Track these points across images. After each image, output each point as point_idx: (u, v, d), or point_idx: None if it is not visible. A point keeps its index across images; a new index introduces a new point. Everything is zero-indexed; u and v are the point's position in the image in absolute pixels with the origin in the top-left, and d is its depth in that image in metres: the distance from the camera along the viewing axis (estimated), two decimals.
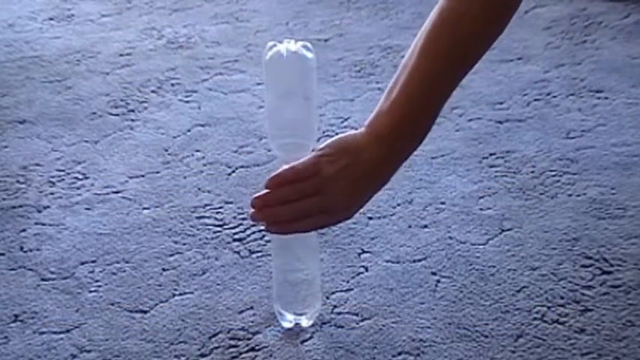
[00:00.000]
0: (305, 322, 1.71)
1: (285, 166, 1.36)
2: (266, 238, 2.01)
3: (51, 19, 3.47)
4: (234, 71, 2.92)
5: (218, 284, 1.87)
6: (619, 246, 1.93)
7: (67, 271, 1.94)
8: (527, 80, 2.73)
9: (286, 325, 1.71)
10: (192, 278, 1.89)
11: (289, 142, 1.45)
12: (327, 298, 1.79)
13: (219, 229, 2.06)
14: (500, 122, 2.48)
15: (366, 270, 1.89)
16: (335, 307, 1.77)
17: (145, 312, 1.80)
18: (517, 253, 1.92)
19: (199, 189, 2.23)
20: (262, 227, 2.04)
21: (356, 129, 1.40)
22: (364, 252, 1.94)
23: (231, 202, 2.16)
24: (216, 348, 1.69)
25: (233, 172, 2.30)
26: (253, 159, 2.35)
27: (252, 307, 1.79)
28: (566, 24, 3.11)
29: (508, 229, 2.00)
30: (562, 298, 1.78)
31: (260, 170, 2.29)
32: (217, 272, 1.91)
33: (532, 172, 2.23)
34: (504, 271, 1.86)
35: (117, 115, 2.65)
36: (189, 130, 2.53)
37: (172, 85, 2.84)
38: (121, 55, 3.10)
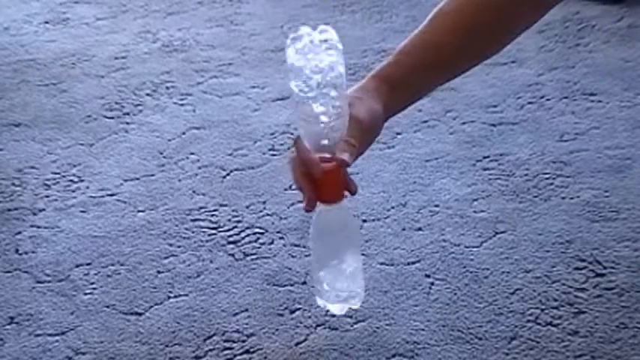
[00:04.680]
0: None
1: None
2: (260, 241, 2.02)
3: (46, 22, 3.47)
4: (229, 74, 2.93)
5: (213, 287, 1.87)
6: (612, 248, 1.94)
7: (62, 273, 1.94)
8: (521, 83, 2.74)
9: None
10: (186, 281, 1.90)
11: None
12: None
13: (213, 231, 2.06)
14: (494, 125, 2.49)
15: None
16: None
17: (140, 314, 1.80)
18: (511, 256, 1.93)
19: (194, 192, 2.23)
20: (257, 229, 2.05)
21: None
22: None
23: (226, 205, 2.16)
24: (210, 350, 1.69)
25: (228, 174, 2.31)
26: (248, 162, 2.36)
27: (246, 310, 1.80)
28: (560, 27, 3.12)
29: (502, 232, 2.01)
30: (555, 300, 1.79)
31: (254, 173, 2.30)
32: (212, 275, 1.91)
33: (526, 174, 2.23)
34: (498, 273, 1.87)
35: (112, 118, 2.65)
36: (184, 133, 2.53)
37: (167, 88, 2.84)
38: (116, 58, 3.11)
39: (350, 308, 1.61)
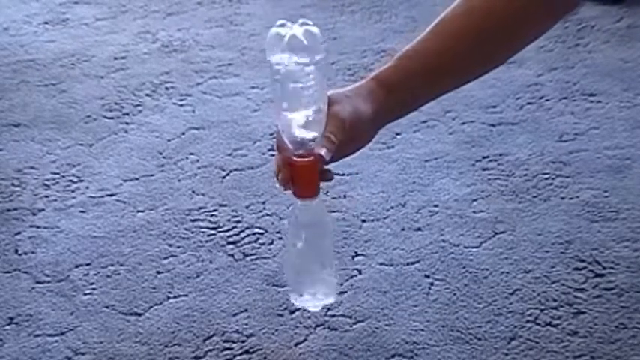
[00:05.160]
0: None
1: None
2: (260, 241, 2.02)
3: (46, 22, 3.47)
4: (229, 75, 2.93)
5: (212, 287, 1.87)
6: (611, 249, 1.94)
7: (62, 273, 1.94)
8: (520, 84, 2.74)
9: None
10: (186, 281, 1.90)
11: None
12: None
13: (213, 232, 2.06)
14: (494, 125, 2.49)
15: (360, 273, 1.89)
16: (329, 309, 1.78)
17: (140, 314, 1.81)
18: (510, 256, 1.93)
19: (194, 192, 2.24)
20: (257, 230, 2.05)
21: None
22: (358, 255, 1.95)
23: (226, 205, 2.17)
24: (210, 350, 1.69)
25: (227, 175, 2.31)
26: (247, 162, 2.36)
27: (246, 310, 1.80)
28: (559, 27, 3.12)
29: (501, 232, 2.01)
30: (555, 300, 1.79)
31: (254, 173, 2.30)
32: (211, 275, 1.91)
33: (525, 175, 2.24)
34: (497, 273, 1.87)
35: (111, 118, 2.65)
36: (183, 134, 2.54)
37: (167, 88, 2.84)
38: (116, 58, 3.11)
39: (325, 304, 1.62)
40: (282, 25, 1.36)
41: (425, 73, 1.34)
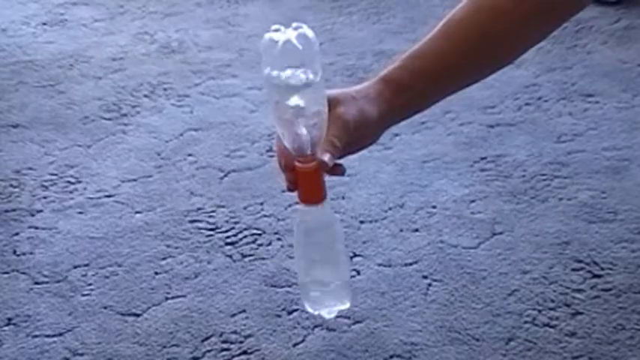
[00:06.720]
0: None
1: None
2: (258, 242, 2.02)
3: (44, 23, 3.47)
4: (227, 76, 2.93)
5: (210, 288, 1.87)
6: (609, 250, 1.94)
7: (60, 274, 1.94)
8: (519, 84, 2.74)
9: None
10: (184, 282, 1.90)
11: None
12: None
13: (211, 232, 2.06)
14: (492, 126, 2.49)
15: (358, 273, 1.89)
16: None
17: (138, 315, 1.81)
18: (508, 257, 1.93)
19: (192, 193, 2.24)
20: (255, 231, 2.05)
21: None
22: (356, 255, 1.95)
23: (224, 206, 2.17)
24: (208, 351, 1.69)
25: (225, 176, 2.31)
26: (245, 163, 2.36)
27: (244, 311, 1.80)
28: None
29: (499, 233, 2.01)
30: (553, 301, 1.79)
31: (252, 174, 2.30)
32: (210, 276, 1.91)
33: (523, 176, 2.24)
34: (495, 274, 1.87)
35: (109, 119, 2.65)
36: (181, 135, 2.53)
37: (165, 89, 2.84)
38: (114, 59, 3.10)
39: (339, 310, 1.61)
40: (276, 30, 1.35)
41: (433, 73, 1.33)
